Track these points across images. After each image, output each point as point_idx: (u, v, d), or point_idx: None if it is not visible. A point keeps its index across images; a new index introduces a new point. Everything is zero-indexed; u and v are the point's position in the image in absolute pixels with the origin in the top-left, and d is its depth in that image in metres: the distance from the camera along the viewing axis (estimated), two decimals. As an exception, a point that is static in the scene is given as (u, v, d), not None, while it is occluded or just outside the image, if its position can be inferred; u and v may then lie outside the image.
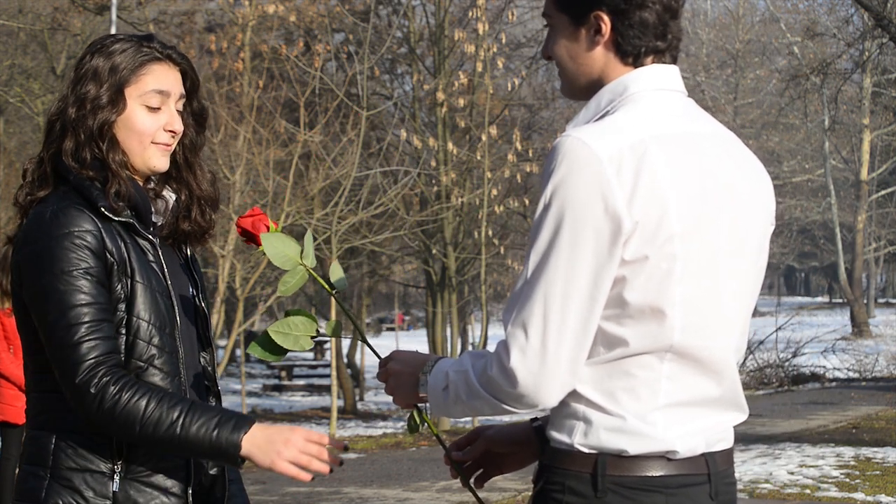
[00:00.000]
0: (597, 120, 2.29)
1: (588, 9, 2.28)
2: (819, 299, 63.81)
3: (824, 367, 22.01)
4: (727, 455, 2.32)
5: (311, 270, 2.50)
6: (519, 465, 2.57)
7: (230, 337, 18.05)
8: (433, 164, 20.46)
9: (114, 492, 2.51)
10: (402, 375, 2.41)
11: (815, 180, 41.53)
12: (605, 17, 2.27)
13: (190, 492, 2.59)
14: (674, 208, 2.17)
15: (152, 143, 2.62)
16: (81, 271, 2.48)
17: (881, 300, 58.10)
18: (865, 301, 42.90)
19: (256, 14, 18.72)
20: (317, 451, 2.47)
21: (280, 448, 2.45)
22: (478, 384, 2.23)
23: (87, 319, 2.46)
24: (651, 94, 2.29)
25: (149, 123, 2.61)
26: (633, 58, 2.29)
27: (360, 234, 18.63)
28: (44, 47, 20.83)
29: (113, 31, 16.26)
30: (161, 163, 2.65)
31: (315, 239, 17.01)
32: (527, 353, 2.15)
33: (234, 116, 16.98)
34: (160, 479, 2.55)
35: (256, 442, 2.45)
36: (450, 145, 19.57)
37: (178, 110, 2.67)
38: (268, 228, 2.55)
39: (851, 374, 21.64)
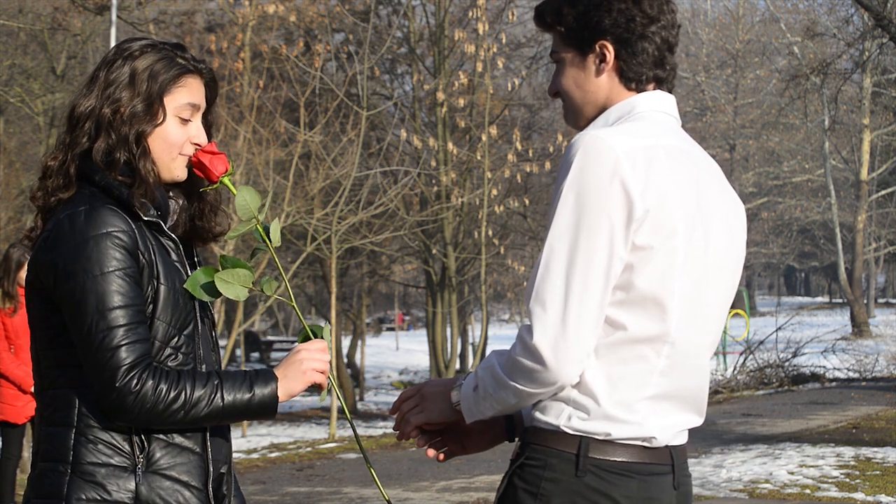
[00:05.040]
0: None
1: (593, 38, 2.48)
2: (819, 299, 63.81)
3: (824, 367, 21.98)
4: (685, 450, 2.50)
5: (259, 225, 2.68)
6: (482, 446, 2.69)
7: (230, 337, 18.06)
8: (433, 164, 20.48)
9: (137, 485, 2.53)
10: (436, 395, 2.57)
11: (815, 180, 41.52)
12: (610, 46, 2.48)
13: (210, 485, 2.62)
14: (677, 208, 2.36)
15: (179, 154, 2.68)
16: (120, 272, 2.50)
17: (881, 300, 58.12)
18: (865, 301, 42.89)
19: (256, 14, 18.72)
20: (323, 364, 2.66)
21: (303, 367, 2.62)
22: (503, 373, 2.36)
23: (124, 322, 2.49)
24: (656, 114, 2.48)
25: (179, 135, 2.66)
26: (635, 83, 2.49)
27: (360, 234, 18.63)
28: (44, 47, 20.82)
29: (113, 31, 16.25)
30: (184, 172, 2.71)
31: (315, 239, 17.02)
32: (547, 328, 2.29)
33: (234, 116, 16.97)
34: (179, 472, 2.58)
35: (283, 383, 2.60)
36: (450, 145, 19.58)
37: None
38: (226, 169, 2.69)
39: (851, 374, 21.63)
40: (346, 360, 28.56)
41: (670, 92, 2.54)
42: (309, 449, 13.75)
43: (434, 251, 21.67)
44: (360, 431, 18.29)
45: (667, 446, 2.43)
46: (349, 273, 26.28)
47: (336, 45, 20.86)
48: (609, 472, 2.36)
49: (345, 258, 22.76)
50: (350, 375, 27.11)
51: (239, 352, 28.07)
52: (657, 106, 2.49)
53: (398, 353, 43.57)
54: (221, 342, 31.97)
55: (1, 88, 19.66)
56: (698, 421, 2.52)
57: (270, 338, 36.55)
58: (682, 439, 2.48)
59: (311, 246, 17.26)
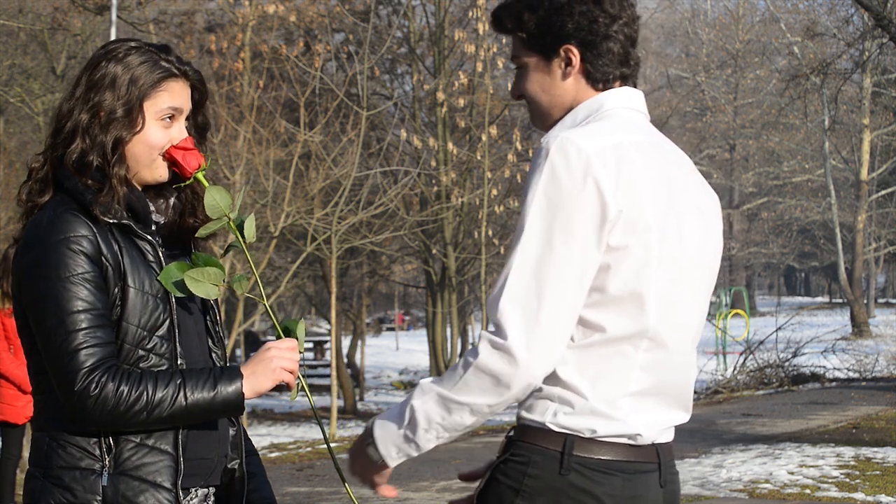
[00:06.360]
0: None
1: (557, 43, 2.46)
2: (819, 299, 63.76)
3: (824, 367, 21.97)
4: (671, 447, 2.48)
5: (231, 222, 2.66)
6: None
7: (230, 337, 18.06)
8: (433, 164, 20.47)
9: (103, 486, 2.53)
10: (359, 459, 2.49)
11: (815, 180, 41.52)
12: (575, 50, 2.46)
13: (179, 485, 2.60)
14: (649, 204, 2.34)
15: (160, 155, 2.67)
16: (79, 277, 2.50)
17: (881, 300, 58.07)
18: (865, 301, 42.87)
19: (256, 14, 18.72)
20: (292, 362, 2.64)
21: (272, 365, 2.61)
22: (453, 394, 2.34)
23: (84, 326, 2.49)
24: (624, 111, 2.47)
25: (160, 137, 2.65)
26: (602, 83, 2.47)
27: (360, 234, 18.63)
28: (44, 47, 20.81)
29: (113, 31, 16.25)
30: (165, 173, 2.69)
31: (315, 239, 17.02)
32: (521, 327, 2.28)
33: (234, 116, 16.97)
34: (147, 473, 2.56)
35: (250, 379, 2.58)
36: (450, 145, 19.58)
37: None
38: (199, 164, 2.68)
39: (851, 374, 21.62)
40: (346, 360, 28.55)
41: (635, 86, 2.52)
42: (309, 449, 13.75)
43: (434, 251, 21.68)
44: (360, 431, 18.28)
45: (653, 444, 2.42)
46: (349, 273, 26.27)
47: (336, 45, 20.86)
48: (593, 469, 2.35)
49: (345, 258, 22.76)
50: (350, 375, 27.09)
51: (239, 352, 28.08)
52: (624, 103, 2.48)
53: (398, 353, 43.55)
54: (221, 342, 31.91)
55: (1, 88, 19.65)
56: (685, 417, 2.50)
57: (270, 338, 36.54)
58: (668, 437, 2.47)
59: (311, 246, 17.26)
